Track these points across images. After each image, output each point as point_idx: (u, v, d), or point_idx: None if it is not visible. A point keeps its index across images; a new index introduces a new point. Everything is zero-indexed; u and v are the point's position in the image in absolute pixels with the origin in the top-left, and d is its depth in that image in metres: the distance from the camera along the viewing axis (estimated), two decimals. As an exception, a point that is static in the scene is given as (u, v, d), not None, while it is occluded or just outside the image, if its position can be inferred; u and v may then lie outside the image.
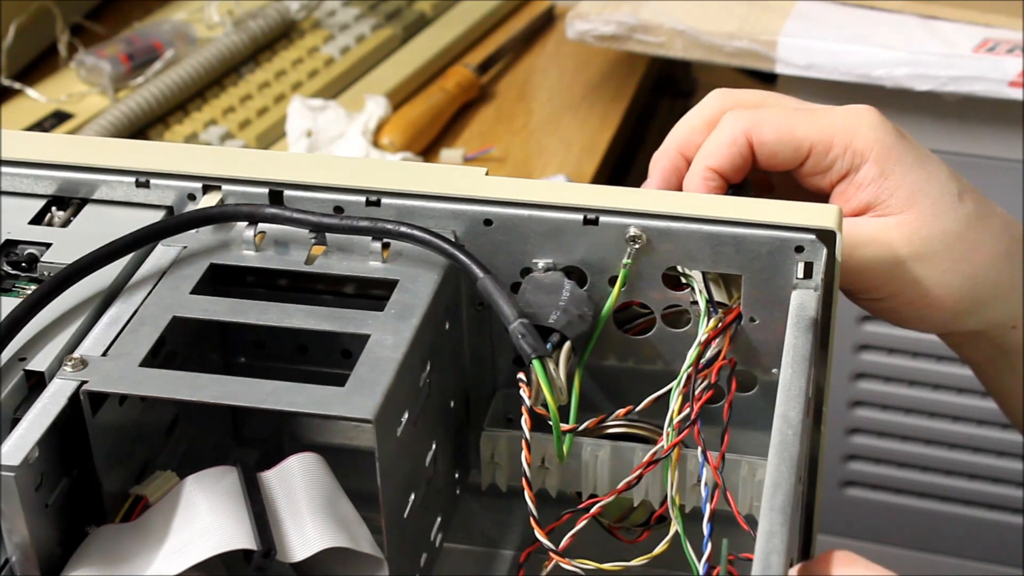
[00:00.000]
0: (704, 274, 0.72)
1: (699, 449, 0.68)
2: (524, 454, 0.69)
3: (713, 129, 0.76)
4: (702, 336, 0.70)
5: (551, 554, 0.69)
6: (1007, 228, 0.77)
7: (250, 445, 0.82)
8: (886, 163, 0.74)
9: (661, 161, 0.77)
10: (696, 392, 0.69)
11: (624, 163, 1.50)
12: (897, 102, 1.32)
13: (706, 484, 0.68)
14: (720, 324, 0.71)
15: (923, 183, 0.75)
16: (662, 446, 0.70)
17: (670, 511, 0.70)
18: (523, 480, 0.69)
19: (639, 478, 0.71)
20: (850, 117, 0.75)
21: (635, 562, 0.71)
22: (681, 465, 0.71)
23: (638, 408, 0.72)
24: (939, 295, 0.75)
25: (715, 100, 0.78)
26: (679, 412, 0.69)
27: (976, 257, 0.75)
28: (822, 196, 0.77)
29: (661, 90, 1.67)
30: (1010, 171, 1.36)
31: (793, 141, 0.75)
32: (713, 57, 1.36)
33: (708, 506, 0.66)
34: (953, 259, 0.75)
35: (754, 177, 0.78)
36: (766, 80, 1.46)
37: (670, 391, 0.70)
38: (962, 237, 0.75)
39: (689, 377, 0.69)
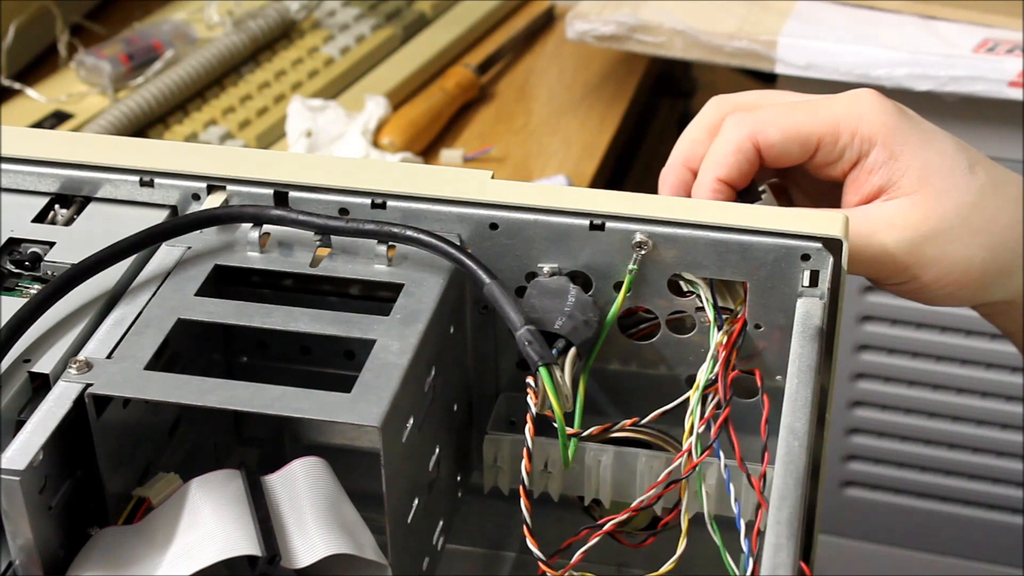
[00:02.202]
0: (711, 281, 0.72)
1: (730, 465, 0.68)
2: (524, 463, 0.69)
3: (715, 137, 0.75)
4: (713, 351, 0.70)
5: (541, 565, 0.68)
6: (1021, 195, 0.77)
7: (251, 444, 0.82)
8: (894, 144, 0.74)
9: (668, 177, 0.77)
10: (711, 410, 0.69)
11: (624, 163, 1.50)
12: (897, 102, 1.32)
13: (737, 501, 0.67)
14: (729, 337, 0.70)
15: (933, 160, 0.75)
16: (680, 463, 0.69)
17: (708, 526, 0.69)
18: (520, 488, 0.69)
19: (658, 497, 0.70)
20: (852, 104, 0.75)
21: None
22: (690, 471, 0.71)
23: (645, 420, 0.72)
24: (964, 270, 0.75)
25: (713, 108, 0.78)
26: (693, 435, 0.69)
27: (995, 227, 0.75)
28: (834, 184, 0.77)
29: (661, 90, 1.67)
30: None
31: (800, 138, 0.74)
32: (713, 57, 1.36)
33: (743, 524, 0.66)
34: (972, 232, 0.75)
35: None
36: (766, 80, 1.46)
37: (682, 405, 0.70)
38: (978, 208, 0.75)
39: (705, 397, 0.69)
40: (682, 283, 0.72)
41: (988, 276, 0.76)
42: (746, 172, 0.74)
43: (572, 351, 0.69)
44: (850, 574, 1.61)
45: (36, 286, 0.72)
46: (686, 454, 0.69)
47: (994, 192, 0.75)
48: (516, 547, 0.84)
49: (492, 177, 0.73)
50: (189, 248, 0.73)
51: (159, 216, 0.75)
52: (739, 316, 0.71)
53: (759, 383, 0.71)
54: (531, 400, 0.67)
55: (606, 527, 0.70)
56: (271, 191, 0.74)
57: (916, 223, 0.74)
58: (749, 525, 0.66)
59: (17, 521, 0.61)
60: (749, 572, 0.64)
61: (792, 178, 0.80)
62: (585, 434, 0.72)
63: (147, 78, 1.41)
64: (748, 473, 0.67)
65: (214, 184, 0.75)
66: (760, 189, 0.77)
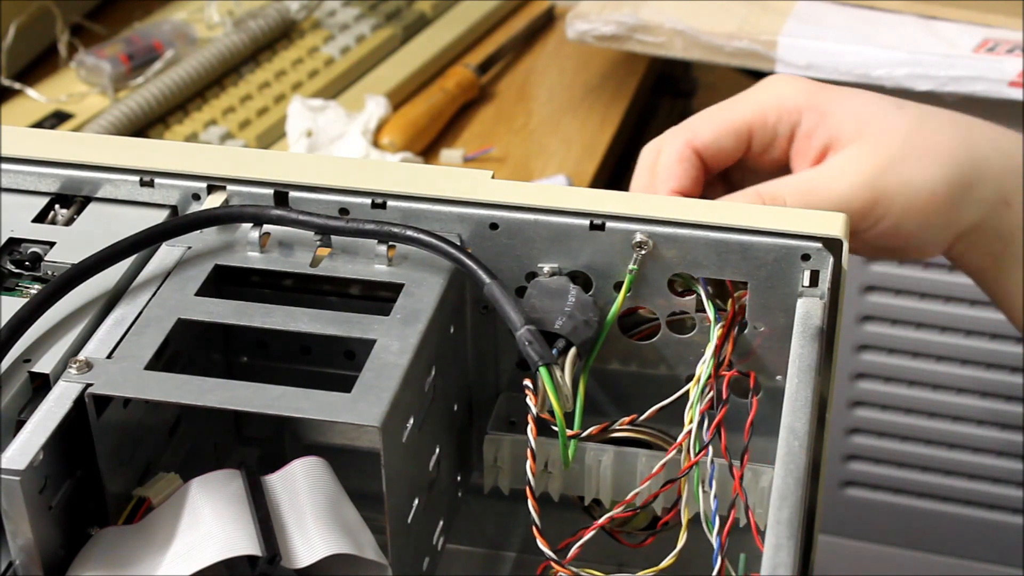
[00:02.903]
0: (706, 284, 0.72)
1: (716, 461, 0.68)
2: (529, 463, 0.69)
3: None
4: (712, 347, 0.70)
5: (554, 565, 0.69)
6: (956, 118, 0.81)
7: (251, 444, 0.82)
8: (821, 105, 0.78)
9: None
10: (707, 406, 0.69)
11: (624, 163, 1.49)
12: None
13: (716, 497, 0.67)
14: (722, 331, 0.70)
15: (863, 106, 0.79)
16: (674, 456, 0.69)
17: (704, 526, 0.69)
18: (527, 489, 0.69)
19: (655, 496, 0.70)
20: (769, 86, 0.80)
21: (642, 575, 0.70)
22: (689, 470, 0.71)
23: (642, 417, 0.72)
24: (929, 190, 0.77)
25: (648, 152, 0.82)
26: (692, 426, 0.69)
27: (941, 146, 0.78)
28: (783, 169, 0.80)
29: (661, 90, 1.67)
30: (1010, 172, 1.36)
31: (731, 129, 0.79)
32: (713, 57, 1.36)
33: (717, 519, 0.66)
34: (922, 153, 0.78)
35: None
36: (766, 80, 1.45)
37: (678, 402, 0.70)
38: (919, 133, 0.78)
39: (703, 393, 0.69)
40: (678, 285, 0.72)
41: (954, 194, 0.78)
42: (695, 178, 0.78)
43: (572, 351, 0.69)
44: (850, 574, 1.61)
45: (36, 286, 0.72)
46: (683, 451, 0.69)
47: (929, 119, 0.79)
48: (516, 547, 0.84)
49: (492, 177, 0.73)
50: (189, 248, 0.73)
51: (159, 216, 0.75)
52: (729, 312, 0.71)
53: (751, 385, 0.71)
54: (531, 401, 0.67)
55: (600, 520, 0.70)
56: (271, 191, 0.74)
57: (869, 162, 0.77)
58: (723, 520, 0.66)
59: (17, 521, 0.61)
60: (716, 570, 0.65)
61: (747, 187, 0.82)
62: (584, 434, 0.72)
63: (147, 78, 1.41)
64: (731, 463, 0.67)
65: (214, 184, 0.75)
66: None
